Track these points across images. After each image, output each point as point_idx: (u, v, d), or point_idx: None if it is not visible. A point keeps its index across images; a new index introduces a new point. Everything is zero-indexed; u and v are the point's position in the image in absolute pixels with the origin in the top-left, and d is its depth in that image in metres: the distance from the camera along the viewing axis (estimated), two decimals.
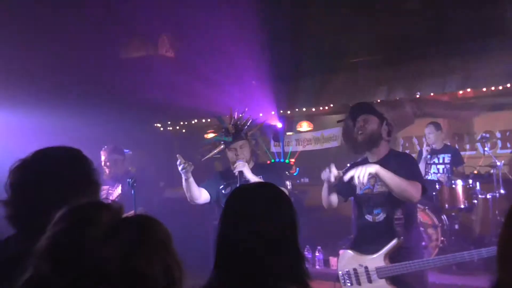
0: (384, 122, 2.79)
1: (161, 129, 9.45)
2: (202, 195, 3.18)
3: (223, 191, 3.20)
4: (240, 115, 3.27)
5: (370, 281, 2.62)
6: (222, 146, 3.22)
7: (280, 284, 1.29)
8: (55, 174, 1.34)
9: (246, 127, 3.20)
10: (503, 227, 0.68)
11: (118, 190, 4.03)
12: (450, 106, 6.71)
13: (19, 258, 1.17)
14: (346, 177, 2.62)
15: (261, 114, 7.12)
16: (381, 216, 2.70)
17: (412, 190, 2.57)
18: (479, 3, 5.79)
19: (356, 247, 2.78)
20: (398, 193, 2.58)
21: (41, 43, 5.12)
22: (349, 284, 2.71)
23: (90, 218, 0.80)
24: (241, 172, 3.04)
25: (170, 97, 7.93)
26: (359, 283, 2.66)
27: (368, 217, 2.76)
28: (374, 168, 2.57)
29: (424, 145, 5.47)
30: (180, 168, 2.98)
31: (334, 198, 2.88)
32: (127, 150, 9.07)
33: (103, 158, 4.16)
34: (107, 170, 4.10)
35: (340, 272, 2.77)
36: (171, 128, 9.46)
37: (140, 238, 0.80)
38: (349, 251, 2.78)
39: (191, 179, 3.06)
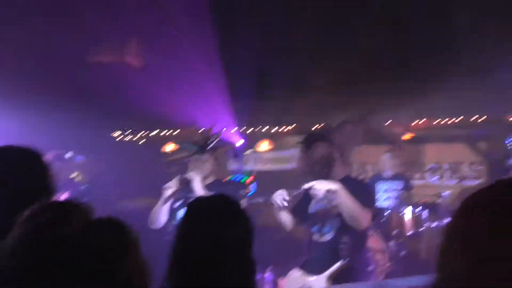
0: (334, 145, 2.95)
1: (120, 137, 9.28)
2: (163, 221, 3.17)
3: (174, 206, 3.18)
4: (211, 130, 3.30)
5: None
6: (186, 153, 3.28)
7: None
8: (8, 173, 1.29)
9: (213, 143, 3.23)
10: (442, 237, 0.76)
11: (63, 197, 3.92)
12: (404, 134, 6.97)
13: None
14: (307, 186, 2.68)
15: (224, 129, 7.14)
16: (328, 236, 2.76)
17: (363, 218, 2.66)
18: (438, 37, 6.09)
19: (304, 267, 2.83)
20: (349, 218, 2.64)
21: (3, 41, 4.95)
22: None
23: (62, 216, 0.80)
24: (189, 181, 3.05)
25: (131, 106, 7.81)
26: None
27: (316, 236, 2.81)
28: (335, 186, 2.64)
29: (384, 172, 5.64)
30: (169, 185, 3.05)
31: (288, 218, 2.95)
32: (80, 157, 8.80)
33: None
34: None
35: None
36: (130, 137, 9.31)
37: (113, 239, 0.81)
38: (297, 271, 2.82)
39: (169, 202, 3.09)
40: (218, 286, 1.30)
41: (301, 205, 2.98)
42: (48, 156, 4.05)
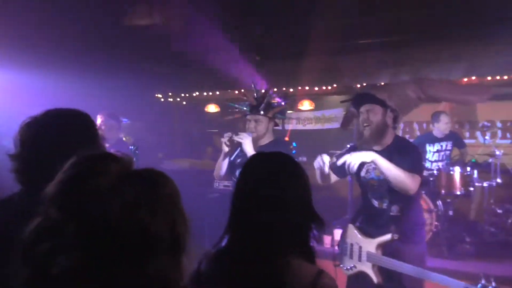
0: (388, 109, 2.77)
1: (162, 100, 9.41)
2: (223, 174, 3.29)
3: (235, 162, 3.22)
4: (265, 91, 3.26)
5: (360, 260, 2.70)
6: (239, 115, 3.29)
7: (287, 250, 1.31)
8: (62, 133, 1.35)
9: (264, 104, 3.17)
10: None
11: None
12: (454, 92, 6.68)
13: (25, 213, 1.18)
14: (339, 162, 2.62)
15: (274, 89, 7.05)
16: (386, 205, 2.74)
17: (410, 182, 2.55)
18: None
19: (360, 225, 2.82)
20: (394, 184, 2.57)
21: (49, 5, 5.03)
22: (344, 255, 2.80)
23: (99, 167, 0.79)
24: (240, 144, 3.05)
25: (172, 68, 7.85)
26: (351, 257, 2.74)
27: (375, 202, 2.77)
28: (370, 157, 2.55)
29: (434, 131, 5.46)
30: (226, 140, 3.09)
31: (331, 176, 2.92)
32: (125, 120, 9.03)
33: (99, 121, 4.14)
34: None
35: (341, 242, 2.85)
36: (171, 100, 9.42)
37: (146, 191, 0.79)
38: (354, 228, 2.80)
39: (227, 158, 3.17)
40: (277, 243, 1.30)
41: (341, 167, 2.90)
42: (98, 118, 4.15)
